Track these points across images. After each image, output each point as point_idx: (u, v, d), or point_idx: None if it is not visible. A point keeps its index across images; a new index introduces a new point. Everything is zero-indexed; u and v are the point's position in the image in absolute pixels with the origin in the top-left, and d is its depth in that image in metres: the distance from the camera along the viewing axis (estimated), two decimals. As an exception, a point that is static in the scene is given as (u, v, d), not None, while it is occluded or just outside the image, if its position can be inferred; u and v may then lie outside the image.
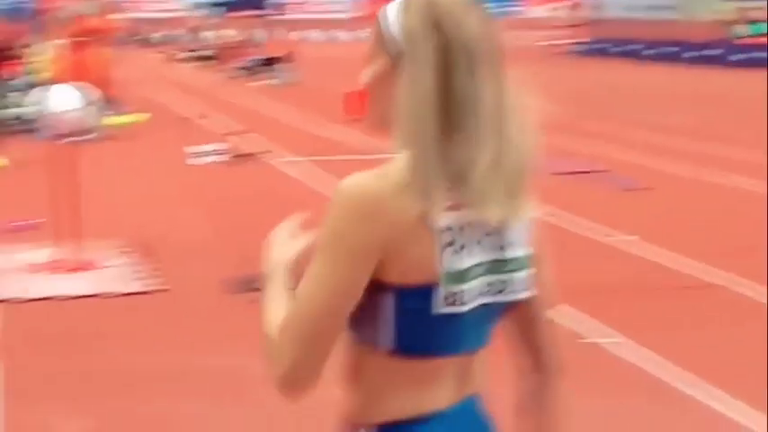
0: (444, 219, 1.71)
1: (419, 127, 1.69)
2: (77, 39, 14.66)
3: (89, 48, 14.81)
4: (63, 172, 7.59)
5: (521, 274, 1.80)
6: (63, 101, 7.54)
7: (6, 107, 13.77)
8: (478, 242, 1.75)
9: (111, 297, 6.89)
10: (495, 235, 1.77)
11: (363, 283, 1.71)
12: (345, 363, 1.81)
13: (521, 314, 1.89)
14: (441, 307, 1.72)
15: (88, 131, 7.78)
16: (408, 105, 1.71)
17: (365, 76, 1.80)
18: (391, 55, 1.75)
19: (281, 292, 1.82)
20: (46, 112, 7.59)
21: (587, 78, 26.50)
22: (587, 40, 38.05)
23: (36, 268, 7.49)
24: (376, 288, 1.72)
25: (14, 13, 16.90)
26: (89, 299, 6.86)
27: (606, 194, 10.54)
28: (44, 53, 16.04)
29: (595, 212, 9.35)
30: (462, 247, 1.73)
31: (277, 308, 1.78)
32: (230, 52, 31.13)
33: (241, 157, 12.99)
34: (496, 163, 1.71)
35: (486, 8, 1.79)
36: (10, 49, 14.82)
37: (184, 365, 5.53)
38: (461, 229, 1.73)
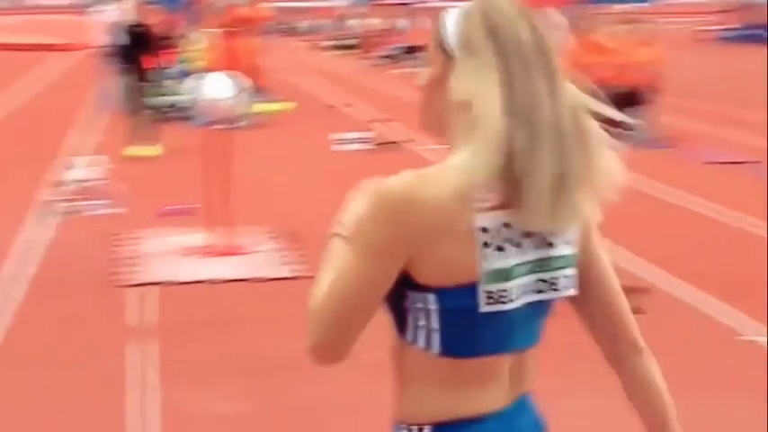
0: (484, 219, 1.72)
1: (480, 130, 1.70)
2: (229, 28, 14.98)
3: (240, 37, 15.11)
4: (216, 158, 7.80)
5: (566, 272, 1.81)
6: (217, 89, 7.73)
7: (162, 95, 14.17)
8: (521, 241, 1.76)
9: (260, 282, 7.06)
10: (539, 234, 1.77)
11: (389, 276, 1.74)
12: (396, 364, 1.84)
13: (588, 302, 1.89)
14: (485, 306, 1.74)
15: (239, 119, 7.97)
16: (472, 109, 1.71)
17: (421, 78, 1.84)
18: (448, 60, 1.77)
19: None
20: (200, 100, 7.80)
21: (737, 65, 25.70)
22: (737, 26, 36.91)
23: (189, 252, 7.72)
24: (419, 291, 1.75)
25: (171, 4, 17.41)
26: (239, 283, 7.04)
27: (758, 186, 10.22)
28: (198, 42, 16.49)
29: (747, 204, 9.09)
30: (503, 246, 1.74)
31: (327, 274, 1.80)
32: (373, 40, 31.44)
33: (385, 144, 13.10)
34: (553, 173, 1.71)
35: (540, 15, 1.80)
36: (167, 38, 15.26)
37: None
38: (501, 228, 1.74)
